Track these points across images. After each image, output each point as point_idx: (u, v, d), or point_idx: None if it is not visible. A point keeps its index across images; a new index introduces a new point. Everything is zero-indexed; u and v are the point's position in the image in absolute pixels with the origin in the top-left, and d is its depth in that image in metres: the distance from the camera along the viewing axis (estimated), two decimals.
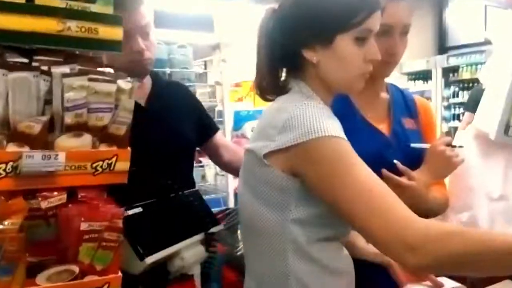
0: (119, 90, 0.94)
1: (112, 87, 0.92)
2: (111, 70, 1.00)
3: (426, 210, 1.18)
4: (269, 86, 1.05)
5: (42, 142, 0.87)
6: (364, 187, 0.88)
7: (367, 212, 0.86)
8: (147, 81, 1.60)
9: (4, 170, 0.83)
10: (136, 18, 1.44)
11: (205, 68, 4.21)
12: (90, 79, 0.89)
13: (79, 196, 0.94)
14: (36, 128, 0.85)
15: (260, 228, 0.98)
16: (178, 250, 1.15)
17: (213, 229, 1.24)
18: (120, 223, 0.92)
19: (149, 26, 1.46)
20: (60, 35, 0.89)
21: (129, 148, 0.99)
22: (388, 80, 1.37)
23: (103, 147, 0.95)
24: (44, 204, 0.90)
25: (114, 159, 0.96)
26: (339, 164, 0.89)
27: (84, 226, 0.88)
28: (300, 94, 1.00)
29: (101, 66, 0.99)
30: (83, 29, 0.91)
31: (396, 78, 5.62)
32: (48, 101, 0.87)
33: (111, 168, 0.96)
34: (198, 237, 1.21)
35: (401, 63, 2.40)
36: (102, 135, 0.94)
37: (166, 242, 1.14)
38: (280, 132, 0.92)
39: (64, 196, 0.92)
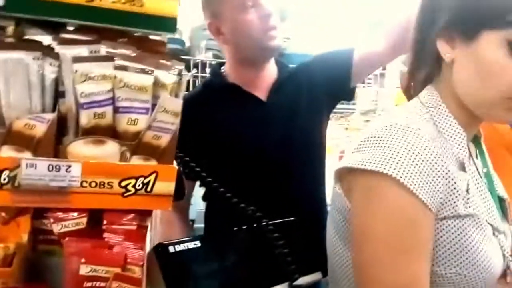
0: (158, 84, 0.67)
1: (147, 80, 0.66)
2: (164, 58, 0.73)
3: None
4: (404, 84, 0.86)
5: (49, 147, 0.65)
6: (385, 275, 0.68)
7: None
8: (271, 69, 1.37)
9: None
10: None
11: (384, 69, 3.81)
12: (117, 67, 0.64)
13: (104, 223, 0.71)
14: (40, 128, 0.63)
15: (338, 270, 0.81)
16: None
17: (301, 280, 0.91)
18: (138, 272, 0.66)
19: None
20: (90, 6, 0.66)
21: (174, 165, 0.73)
22: None
23: (135, 160, 0.70)
24: (57, 228, 0.69)
25: (152, 177, 0.70)
26: (379, 222, 0.69)
27: (84, 269, 0.64)
28: (415, 105, 0.79)
29: (166, 55, 0.74)
30: (122, 0, 0.67)
31: None
32: (61, 94, 0.65)
33: (148, 190, 0.70)
34: None
35: None
36: (135, 144, 0.69)
37: None
38: (355, 150, 0.74)
39: (83, 220, 0.70)
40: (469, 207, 0.72)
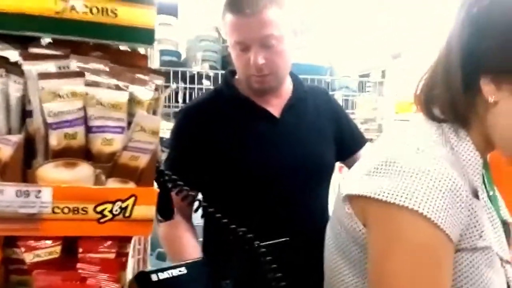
0: (134, 100, 0.62)
1: (121, 96, 0.61)
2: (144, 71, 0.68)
3: None
4: (422, 105, 0.77)
5: (16, 171, 0.60)
6: None
7: None
8: (287, 88, 1.34)
9: None
10: (253, 26, 1.17)
11: (383, 77, 3.79)
12: (89, 83, 0.59)
13: (79, 251, 0.65)
14: (5, 151, 0.58)
15: (336, 286, 0.78)
16: None
17: None
18: None
19: (272, 37, 1.18)
20: (58, 18, 0.61)
21: (154, 187, 0.67)
22: None
23: (112, 183, 0.64)
24: (28, 257, 0.64)
25: (130, 201, 0.65)
26: (401, 258, 0.64)
27: None
28: (431, 126, 0.74)
29: (143, 70, 0.69)
30: (94, 10, 0.62)
31: None
32: (28, 113, 0.60)
33: (127, 214, 0.65)
34: None
35: None
36: (110, 166, 0.64)
37: None
38: (368, 173, 0.70)
39: (57, 249, 0.65)
40: (484, 239, 0.68)
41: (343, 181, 0.80)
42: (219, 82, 2.34)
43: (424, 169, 0.65)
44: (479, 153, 0.72)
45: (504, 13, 0.68)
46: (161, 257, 2.29)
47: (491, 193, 0.78)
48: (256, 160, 1.25)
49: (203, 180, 1.25)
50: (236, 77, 1.37)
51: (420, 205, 0.63)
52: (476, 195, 0.71)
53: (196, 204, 0.89)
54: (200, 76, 2.39)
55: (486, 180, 0.79)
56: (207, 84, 2.37)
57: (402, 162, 0.66)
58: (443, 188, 0.64)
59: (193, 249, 1.23)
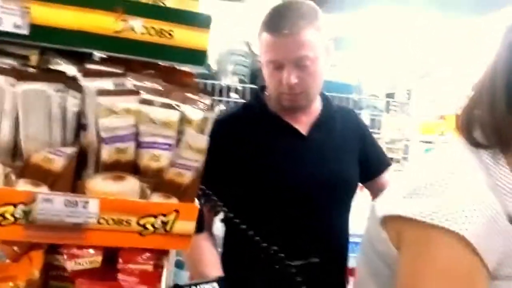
0: (185, 119, 0.64)
1: (173, 115, 0.63)
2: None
3: None
4: (463, 128, 0.75)
5: (67, 182, 0.62)
6: None
7: None
8: (316, 106, 1.36)
9: (12, 214, 0.60)
10: (290, 46, 1.18)
11: (409, 98, 3.76)
12: (143, 101, 0.61)
13: (119, 262, 0.67)
14: (58, 162, 0.60)
15: None
16: None
17: None
18: None
19: (307, 58, 1.19)
20: (118, 37, 0.64)
21: (196, 203, 0.69)
22: None
23: (156, 198, 0.66)
24: (70, 265, 0.66)
25: (172, 216, 0.67)
26: (434, 279, 0.63)
27: None
28: (469, 150, 0.72)
29: (193, 89, 0.71)
30: (151, 31, 0.64)
31: None
32: (83, 127, 0.62)
33: (168, 229, 0.67)
34: None
35: None
36: (156, 181, 0.65)
37: None
38: (408, 195, 0.69)
39: (98, 259, 0.66)
40: None
41: (379, 203, 0.79)
42: (247, 96, 2.37)
43: (466, 193, 0.65)
44: None
45: None
46: (179, 265, 2.30)
47: None
48: (281, 176, 1.26)
49: (229, 193, 1.27)
50: (267, 93, 1.39)
51: (461, 228, 0.62)
52: (511, 221, 0.69)
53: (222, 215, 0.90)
54: (228, 89, 2.41)
55: None
56: (235, 97, 2.39)
57: (443, 185, 0.66)
58: (485, 214, 0.64)
59: (212, 258, 1.23)
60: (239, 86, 2.39)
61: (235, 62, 2.39)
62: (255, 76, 2.47)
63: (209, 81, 2.32)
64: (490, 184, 0.69)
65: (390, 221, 0.73)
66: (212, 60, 2.54)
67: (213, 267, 1.17)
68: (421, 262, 0.66)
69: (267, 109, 1.34)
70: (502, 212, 0.66)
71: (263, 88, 1.41)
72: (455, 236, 0.63)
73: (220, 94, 2.39)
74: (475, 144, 0.73)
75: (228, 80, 2.39)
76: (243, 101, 2.24)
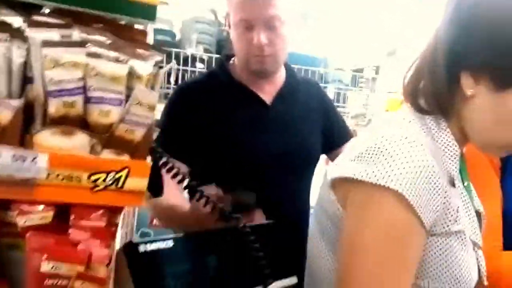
0: (133, 75, 0.63)
1: (122, 69, 0.62)
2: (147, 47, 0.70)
3: None
4: (409, 96, 0.81)
5: (14, 135, 0.61)
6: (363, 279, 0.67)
7: None
8: (280, 76, 1.38)
9: None
10: (260, 5, 1.19)
11: (377, 73, 3.81)
12: (90, 54, 0.61)
13: (71, 218, 0.67)
14: (5, 115, 0.59)
15: (319, 274, 0.82)
16: None
17: (275, 284, 0.88)
18: (102, 272, 0.62)
19: (277, 18, 1.21)
20: None
21: (147, 160, 0.69)
22: None
23: (106, 154, 0.66)
24: (21, 221, 0.65)
25: (123, 172, 0.67)
26: (372, 234, 0.68)
27: (45, 267, 0.60)
28: (414, 116, 0.77)
29: (144, 45, 0.70)
30: None
31: None
32: (29, 80, 0.61)
33: (119, 185, 0.67)
34: None
35: None
36: (106, 138, 0.65)
37: None
38: (355, 158, 0.73)
39: (49, 215, 0.66)
40: (458, 224, 0.72)
41: (330, 168, 0.82)
42: (213, 65, 2.36)
43: (408, 155, 0.68)
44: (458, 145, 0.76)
45: (489, 11, 0.71)
46: (144, 236, 2.32)
47: (465, 183, 0.82)
48: (244, 144, 1.27)
49: (192, 161, 1.27)
50: (231, 62, 1.38)
51: (402, 188, 0.66)
52: (452, 183, 0.74)
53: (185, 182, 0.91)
54: (193, 58, 2.38)
55: (461, 171, 0.83)
56: (200, 67, 2.37)
57: (387, 149, 0.69)
58: (424, 175, 0.67)
59: (182, 201, 1.23)
60: (205, 56, 2.36)
61: (200, 31, 2.36)
62: (221, 46, 2.45)
63: (173, 50, 2.29)
64: (433, 147, 0.73)
65: (338, 183, 0.77)
66: (176, 28, 2.50)
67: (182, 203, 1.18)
68: (363, 220, 0.70)
69: (231, 77, 1.34)
70: (442, 174, 0.70)
71: (228, 57, 1.41)
72: (395, 194, 0.66)
73: (185, 64, 2.36)
74: (420, 110, 0.78)
75: (193, 49, 2.36)
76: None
